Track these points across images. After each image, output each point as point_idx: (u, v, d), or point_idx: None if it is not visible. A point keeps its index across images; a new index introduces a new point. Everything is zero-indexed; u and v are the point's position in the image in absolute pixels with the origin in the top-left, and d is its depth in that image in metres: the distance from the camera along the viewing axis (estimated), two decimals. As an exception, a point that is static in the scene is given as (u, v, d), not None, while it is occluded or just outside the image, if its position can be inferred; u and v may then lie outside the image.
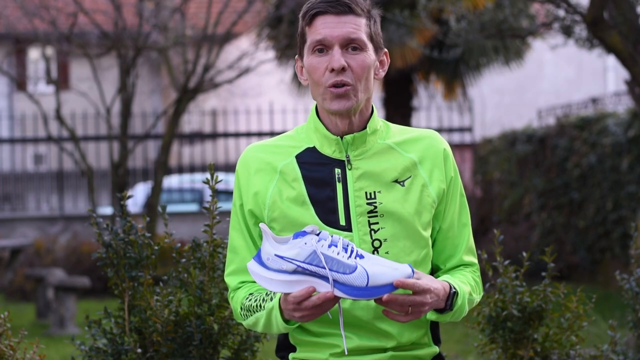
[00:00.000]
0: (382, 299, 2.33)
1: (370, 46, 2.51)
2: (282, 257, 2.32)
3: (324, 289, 2.31)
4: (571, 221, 12.53)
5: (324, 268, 2.30)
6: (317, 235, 2.33)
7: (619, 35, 6.84)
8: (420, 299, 2.35)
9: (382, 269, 2.31)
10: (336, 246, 2.32)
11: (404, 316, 2.37)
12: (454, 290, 2.46)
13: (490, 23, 8.66)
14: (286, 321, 2.44)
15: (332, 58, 2.46)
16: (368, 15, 2.51)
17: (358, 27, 2.48)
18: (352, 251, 2.32)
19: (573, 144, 12.48)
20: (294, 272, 2.32)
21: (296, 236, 2.34)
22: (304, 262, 2.31)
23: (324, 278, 2.31)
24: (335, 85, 2.47)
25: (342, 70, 2.46)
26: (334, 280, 2.30)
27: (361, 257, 2.32)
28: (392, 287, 2.30)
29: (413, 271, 2.34)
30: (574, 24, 8.07)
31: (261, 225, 2.36)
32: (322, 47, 2.48)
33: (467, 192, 14.31)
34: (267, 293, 2.49)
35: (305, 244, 2.31)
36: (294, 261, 2.31)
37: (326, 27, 2.47)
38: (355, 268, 2.30)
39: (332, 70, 2.46)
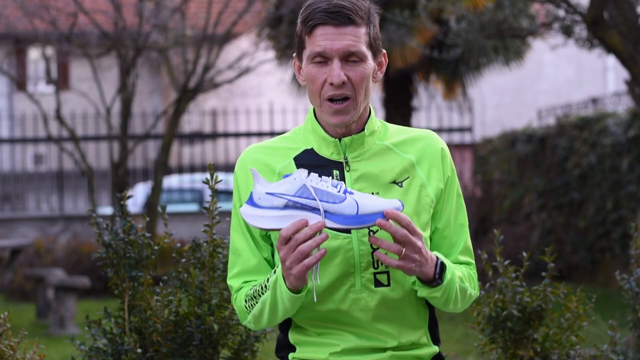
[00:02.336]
0: (375, 227, 2.35)
1: (369, 55, 2.50)
2: (272, 194, 2.35)
3: (315, 220, 2.33)
4: (571, 221, 12.54)
5: (315, 200, 2.33)
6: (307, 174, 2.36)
7: (619, 35, 6.84)
8: (413, 239, 2.34)
9: (371, 200, 2.34)
10: (326, 182, 2.35)
11: (397, 260, 2.35)
12: (440, 260, 2.45)
13: (490, 23, 8.67)
14: (290, 291, 2.41)
15: (331, 72, 2.45)
16: (368, 22, 2.49)
17: (358, 38, 2.46)
18: (341, 187, 2.35)
19: (573, 144, 12.48)
20: (285, 207, 2.34)
21: (286, 176, 2.37)
22: (295, 195, 2.34)
23: (316, 210, 2.33)
24: (334, 99, 2.47)
25: (342, 84, 2.46)
26: (325, 211, 2.32)
27: (350, 192, 2.35)
28: (382, 215, 2.32)
29: (402, 206, 2.35)
30: (574, 24, 8.08)
31: (251, 168, 2.39)
32: (321, 59, 2.48)
33: (467, 192, 14.31)
34: (268, 278, 2.48)
35: (295, 179, 2.34)
36: (284, 196, 2.34)
37: (326, 39, 2.45)
38: (345, 198, 2.33)
39: (332, 84, 2.46)
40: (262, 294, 2.48)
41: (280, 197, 2.33)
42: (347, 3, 2.46)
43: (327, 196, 2.33)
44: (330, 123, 2.50)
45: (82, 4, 11.81)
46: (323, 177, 2.37)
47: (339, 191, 2.34)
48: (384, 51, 2.58)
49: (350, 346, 2.50)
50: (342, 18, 2.45)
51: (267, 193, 2.35)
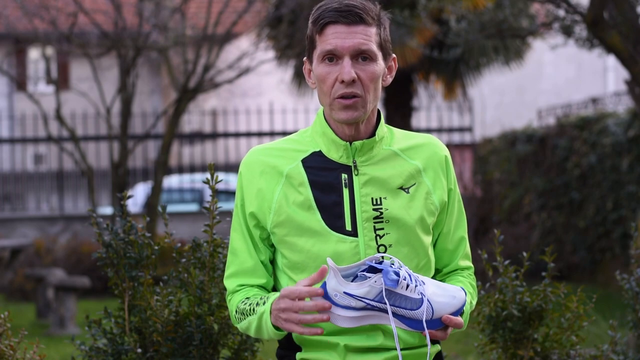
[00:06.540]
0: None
1: (379, 55, 2.50)
2: (352, 295, 2.32)
3: (387, 322, 2.35)
4: (571, 221, 12.53)
5: (392, 306, 2.33)
6: (380, 263, 2.33)
7: (619, 35, 6.84)
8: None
9: (445, 300, 2.36)
10: (404, 279, 2.32)
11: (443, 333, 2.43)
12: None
13: (490, 23, 8.67)
14: (275, 327, 2.44)
15: (342, 69, 2.46)
16: (378, 23, 2.50)
17: (369, 37, 2.47)
18: (417, 285, 2.34)
19: (573, 144, 12.48)
20: (362, 308, 2.34)
21: (361, 276, 2.33)
22: (374, 300, 2.32)
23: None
24: (344, 97, 2.48)
25: (352, 82, 2.46)
26: (401, 316, 2.33)
27: (422, 283, 2.36)
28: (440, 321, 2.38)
29: (466, 293, 2.43)
30: (574, 24, 8.08)
31: (328, 259, 2.34)
32: (332, 57, 2.48)
33: (467, 192, 14.31)
34: (261, 297, 2.49)
35: (375, 282, 2.32)
36: (364, 299, 2.32)
37: (337, 37, 2.46)
38: (422, 303, 2.33)
39: (342, 81, 2.46)
40: (250, 315, 2.50)
41: (360, 300, 2.32)
42: (357, 3, 2.48)
43: (405, 302, 2.33)
44: (339, 119, 2.50)
45: (82, 4, 11.80)
46: (394, 265, 2.34)
47: (416, 285, 2.33)
48: (394, 55, 2.59)
49: (358, 345, 2.50)
50: (353, 17, 2.46)
51: (345, 293, 2.32)
